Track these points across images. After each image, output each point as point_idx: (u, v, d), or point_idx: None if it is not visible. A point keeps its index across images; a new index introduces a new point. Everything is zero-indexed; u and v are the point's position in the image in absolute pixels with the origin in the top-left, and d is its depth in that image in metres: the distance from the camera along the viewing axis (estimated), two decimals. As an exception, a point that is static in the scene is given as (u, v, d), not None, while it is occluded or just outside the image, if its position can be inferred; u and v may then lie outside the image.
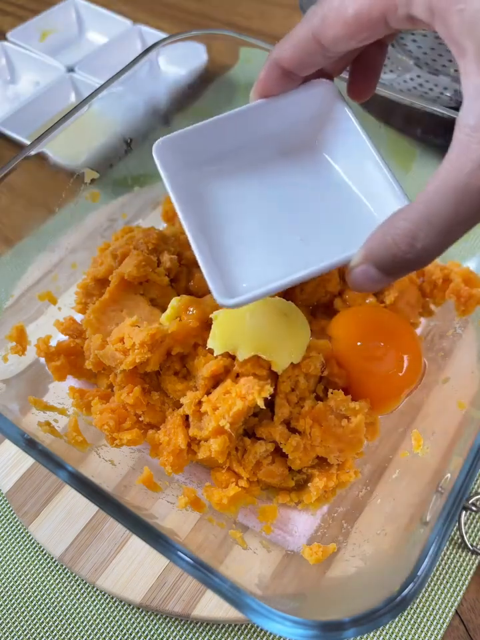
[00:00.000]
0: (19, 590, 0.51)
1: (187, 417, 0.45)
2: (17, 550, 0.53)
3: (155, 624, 0.49)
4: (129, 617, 0.50)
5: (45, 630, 0.49)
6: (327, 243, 0.38)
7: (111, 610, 0.50)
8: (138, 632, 0.49)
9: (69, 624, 0.49)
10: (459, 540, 0.52)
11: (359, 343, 0.47)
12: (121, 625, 0.49)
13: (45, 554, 0.52)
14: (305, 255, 0.38)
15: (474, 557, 0.51)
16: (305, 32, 0.33)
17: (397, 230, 0.29)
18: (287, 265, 0.37)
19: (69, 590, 0.51)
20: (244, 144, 0.41)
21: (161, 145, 0.40)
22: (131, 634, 0.49)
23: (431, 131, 0.56)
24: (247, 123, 0.40)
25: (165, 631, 0.49)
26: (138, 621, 0.49)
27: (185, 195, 0.39)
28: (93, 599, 0.50)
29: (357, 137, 0.39)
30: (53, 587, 0.51)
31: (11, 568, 0.52)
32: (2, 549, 0.53)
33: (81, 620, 0.49)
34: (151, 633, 0.49)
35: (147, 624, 0.49)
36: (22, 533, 0.53)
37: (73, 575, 0.51)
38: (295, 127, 0.41)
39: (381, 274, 0.31)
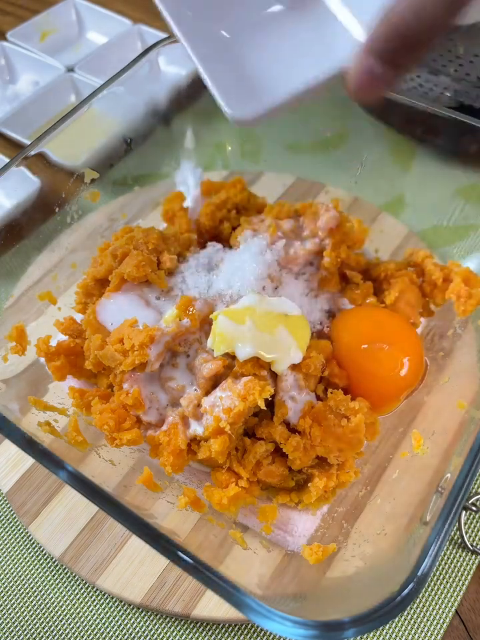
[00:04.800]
0: (19, 590, 0.51)
1: (186, 417, 0.46)
2: (17, 550, 0.53)
3: (155, 624, 0.49)
4: (129, 616, 0.50)
5: (45, 630, 0.49)
6: (324, 52, 0.36)
7: (111, 610, 0.50)
8: (138, 632, 0.49)
9: (69, 624, 0.49)
10: (459, 540, 0.52)
11: (360, 345, 0.47)
12: (121, 624, 0.49)
13: (45, 554, 0.52)
14: (306, 67, 0.36)
15: (474, 556, 0.51)
16: None
17: (401, 5, 0.28)
18: (288, 70, 0.36)
19: (68, 590, 0.51)
20: None
21: None
22: (130, 634, 0.49)
23: (431, 131, 0.55)
24: None
25: (165, 630, 0.49)
26: (138, 620, 0.49)
27: (182, 16, 0.37)
28: (92, 599, 0.50)
29: None
30: (53, 587, 0.51)
31: (11, 568, 0.52)
32: (2, 549, 0.53)
33: (81, 620, 0.49)
34: (151, 632, 0.49)
35: (147, 624, 0.49)
36: (22, 533, 0.53)
37: (73, 574, 0.51)
38: None
39: (385, 65, 0.30)
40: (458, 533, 0.52)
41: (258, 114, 0.33)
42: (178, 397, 0.46)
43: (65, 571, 0.51)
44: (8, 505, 0.54)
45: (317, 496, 0.44)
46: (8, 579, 0.51)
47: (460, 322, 0.54)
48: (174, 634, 0.49)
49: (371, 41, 0.30)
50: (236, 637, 0.49)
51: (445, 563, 0.51)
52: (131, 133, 0.62)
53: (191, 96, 0.65)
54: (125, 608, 0.50)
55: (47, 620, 0.50)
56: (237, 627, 0.49)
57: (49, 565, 0.52)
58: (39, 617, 0.50)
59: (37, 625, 0.49)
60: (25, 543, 0.53)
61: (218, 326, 0.44)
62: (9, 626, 0.49)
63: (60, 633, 0.49)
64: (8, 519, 0.54)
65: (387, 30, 0.29)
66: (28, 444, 0.39)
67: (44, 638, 0.49)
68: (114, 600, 0.50)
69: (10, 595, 0.51)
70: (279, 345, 0.43)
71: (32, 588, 0.51)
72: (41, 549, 0.52)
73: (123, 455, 0.48)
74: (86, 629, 0.49)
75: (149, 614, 0.50)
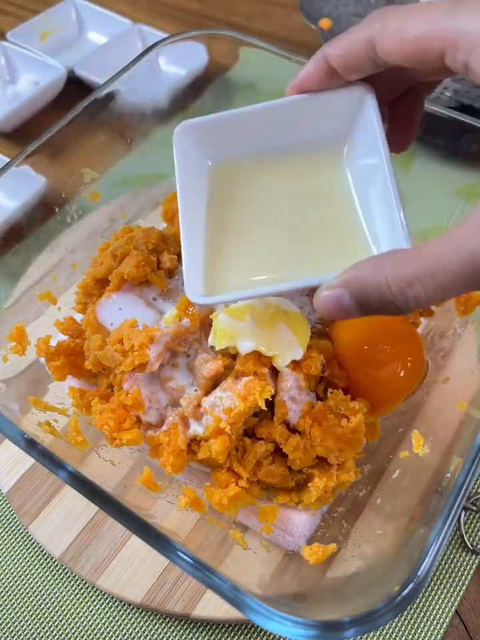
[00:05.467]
0: (19, 590, 0.51)
1: (186, 417, 0.45)
2: (17, 550, 0.53)
3: (155, 624, 0.49)
4: (129, 616, 0.50)
5: (44, 630, 0.49)
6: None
7: (111, 610, 0.50)
8: (138, 632, 0.49)
9: (69, 624, 0.49)
10: (459, 540, 0.52)
11: (361, 346, 0.47)
12: (121, 624, 0.49)
13: (45, 554, 0.52)
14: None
15: (474, 556, 0.51)
16: (363, 34, 0.33)
17: (393, 270, 0.27)
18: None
19: (68, 590, 0.51)
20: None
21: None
22: (131, 634, 0.49)
23: (431, 131, 0.55)
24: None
25: (165, 630, 0.49)
26: (138, 620, 0.49)
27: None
28: (92, 599, 0.50)
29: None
30: (53, 587, 0.51)
31: (11, 568, 0.52)
32: (2, 549, 0.53)
33: (81, 620, 0.49)
34: (151, 632, 0.49)
35: (147, 624, 0.49)
36: (22, 532, 0.53)
37: (73, 574, 0.51)
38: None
39: (355, 306, 0.29)
40: (458, 532, 0.52)
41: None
42: (178, 397, 0.46)
43: (65, 571, 0.51)
44: (8, 505, 0.54)
45: (317, 496, 0.44)
46: (8, 578, 0.51)
47: (460, 322, 0.54)
48: (174, 634, 0.49)
49: (352, 281, 0.29)
50: (236, 637, 0.49)
51: (445, 563, 0.51)
52: (131, 133, 0.62)
53: (191, 96, 0.65)
54: (125, 608, 0.50)
55: (47, 620, 0.50)
56: (237, 626, 0.49)
57: (49, 565, 0.52)
58: (39, 617, 0.50)
59: (37, 624, 0.49)
60: (25, 543, 0.53)
61: (219, 322, 0.44)
62: (9, 626, 0.49)
63: (60, 632, 0.49)
64: (8, 519, 0.54)
65: (371, 287, 0.28)
66: (28, 444, 0.39)
67: (44, 638, 0.49)
68: (114, 600, 0.50)
69: (10, 594, 0.51)
70: (280, 340, 0.43)
71: (32, 588, 0.51)
72: (41, 549, 0.52)
73: (123, 455, 0.48)
74: (86, 629, 0.49)
75: (148, 614, 0.50)
